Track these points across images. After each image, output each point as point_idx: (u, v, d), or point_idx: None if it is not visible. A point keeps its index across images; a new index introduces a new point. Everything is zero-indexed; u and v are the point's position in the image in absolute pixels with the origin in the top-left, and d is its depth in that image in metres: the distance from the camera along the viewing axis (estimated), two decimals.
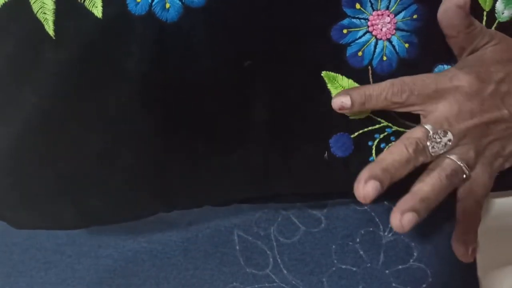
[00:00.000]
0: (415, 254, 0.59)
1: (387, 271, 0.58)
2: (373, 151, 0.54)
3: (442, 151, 0.50)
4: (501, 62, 0.51)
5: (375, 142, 0.54)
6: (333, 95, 0.51)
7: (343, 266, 0.59)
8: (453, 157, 0.50)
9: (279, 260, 0.59)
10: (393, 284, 0.57)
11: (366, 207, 0.61)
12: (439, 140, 0.50)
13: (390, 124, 0.53)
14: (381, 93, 0.49)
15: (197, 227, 0.62)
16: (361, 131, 0.53)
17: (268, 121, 0.51)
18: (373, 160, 0.52)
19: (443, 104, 0.50)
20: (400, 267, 0.58)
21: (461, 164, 0.50)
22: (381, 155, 0.50)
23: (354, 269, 0.58)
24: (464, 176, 0.51)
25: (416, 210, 0.48)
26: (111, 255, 0.61)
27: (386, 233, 0.60)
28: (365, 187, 0.47)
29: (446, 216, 0.59)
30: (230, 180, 0.54)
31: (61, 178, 0.53)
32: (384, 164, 0.49)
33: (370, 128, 0.53)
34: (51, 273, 0.60)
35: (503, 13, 0.52)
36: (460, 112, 0.50)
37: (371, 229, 0.60)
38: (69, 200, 0.53)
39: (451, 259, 0.57)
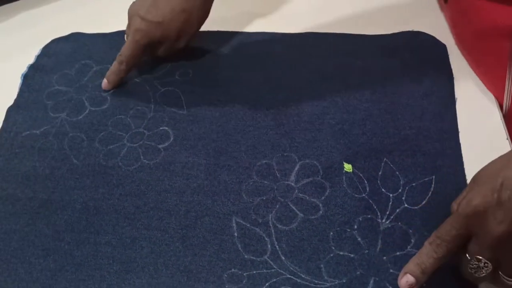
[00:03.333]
0: (412, 240, 0.59)
1: (384, 258, 0.58)
2: None
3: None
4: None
5: None
6: None
7: (341, 253, 0.59)
8: None
9: (277, 246, 0.60)
10: (391, 270, 0.57)
11: (364, 195, 0.62)
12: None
13: None
14: (428, 255, 0.52)
15: (195, 214, 0.62)
16: None
17: None
18: None
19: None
20: (397, 253, 0.58)
21: None
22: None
23: (352, 255, 0.58)
24: None
25: None
26: (110, 242, 0.61)
27: (384, 220, 0.60)
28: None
29: (444, 205, 0.60)
30: None
31: None
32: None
33: None
34: (50, 260, 0.60)
35: None
36: None
37: (369, 216, 0.61)
38: None
39: None
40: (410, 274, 0.52)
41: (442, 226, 0.52)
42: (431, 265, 0.52)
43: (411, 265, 0.53)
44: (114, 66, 0.75)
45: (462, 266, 0.52)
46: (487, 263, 0.50)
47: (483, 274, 0.51)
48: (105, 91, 0.75)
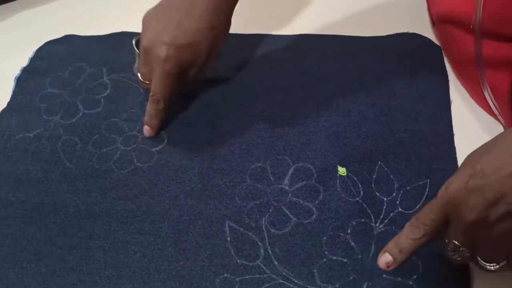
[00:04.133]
0: None
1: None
2: None
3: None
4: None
5: None
6: None
7: (334, 257, 0.58)
8: None
9: (270, 251, 0.59)
10: (384, 275, 0.57)
11: (358, 199, 0.62)
12: None
13: None
14: (407, 236, 0.51)
15: (188, 219, 0.62)
16: None
17: None
18: None
19: None
20: None
21: None
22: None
23: (345, 260, 0.58)
24: None
25: None
26: (102, 246, 0.61)
27: (377, 224, 0.60)
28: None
29: None
30: None
31: None
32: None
33: None
34: (41, 264, 0.60)
35: None
36: None
37: (362, 220, 0.60)
38: None
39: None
40: (389, 253, 0.52)
41: (423, 209, 0.51)
42: (409, 246, 0.51)
43: (391, 244, 0.52)
44: (151, 109, 0.69)
45: (443, 248, 0.52)
46: (462, 247, 0.50)
47: (460, 258, 0.50)
48: (98, 93, 0.75)
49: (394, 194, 0.62)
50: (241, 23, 0.80)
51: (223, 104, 0.72)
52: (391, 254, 0.52)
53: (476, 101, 0.70)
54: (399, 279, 0.56)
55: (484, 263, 0.50)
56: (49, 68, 0.79)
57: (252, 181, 0.64)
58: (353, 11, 0.83)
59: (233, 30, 0.80)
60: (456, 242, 0.50)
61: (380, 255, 0.52)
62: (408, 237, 0.51)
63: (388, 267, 0.52)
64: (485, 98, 0.68)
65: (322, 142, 0.67)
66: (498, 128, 0.67)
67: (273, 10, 0.84)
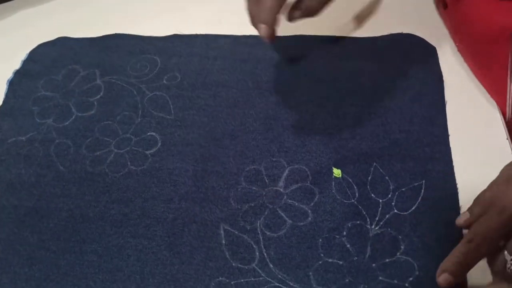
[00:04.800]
0: (402, 247, 0.58)
1: (373, 265, 0.57)
2: None
3: None
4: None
5: None
6: None
7: (330, 260, 0.58)
8: None
9: (265, 254, 0.59)
10: (380, 278, 0.56)
11: (353, 200, 0.61)
12: None
13: None
14: (469, 255, 0.51)
15: (182, 222, 0.62)
16: None
17: None
18: None
19: None
20: (387, 260, 0.57)
21: None
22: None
23: (341, 262, 0.58)
24: None
25: None
26: (96, 250, 0.60)
27: (373, 226, 0.60)
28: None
29: (433, 210, 0.59)
30: None
31: None
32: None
33: None
34: (35, 269, 0.60)
35: None
36: None
37: (358, 222, 0.60)
38: None
39: (438, 253, 0.56)
40: (449, 273, 0.51)
41: (484, 223, 0.50)
42: (470, 264, 0.51)
43: (449, 263, 0.52)
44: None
45: (496, 265, 0.51)
46: None
47: None
48: (91, 96, 0.74)
49: (389, 196, 0.61)
50: (234, 24, 0.80)
51: (216, 106, 0.72)
52: (451, 274, 0.52)
53: (484, 84, 0.70)
54: (395, 281, 0.56)
55: None
56: (42, 71, 0.78)
57: (247, 183, 0.64)
58: (347, 11, 0.83)
59: (228, 31, 0.79)
60: None
61: (438, 273, 0.53)
62: (470, 256, 0.51)
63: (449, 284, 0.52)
64: (497, 79, 0.67)
65: (317, 144, 0.67)
66: (493, 129, 0.67)
67: None
